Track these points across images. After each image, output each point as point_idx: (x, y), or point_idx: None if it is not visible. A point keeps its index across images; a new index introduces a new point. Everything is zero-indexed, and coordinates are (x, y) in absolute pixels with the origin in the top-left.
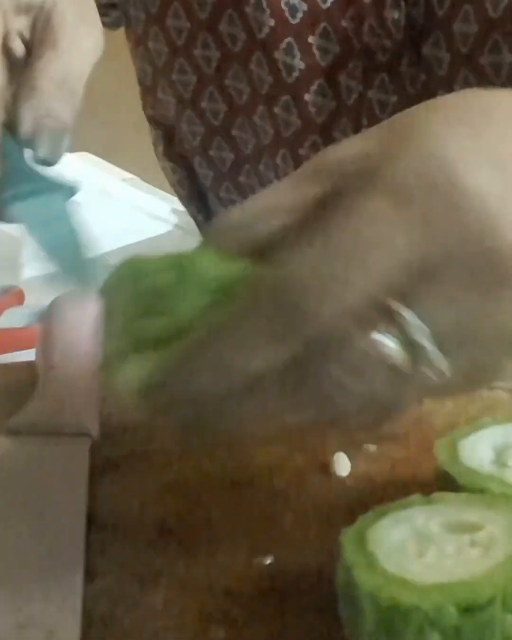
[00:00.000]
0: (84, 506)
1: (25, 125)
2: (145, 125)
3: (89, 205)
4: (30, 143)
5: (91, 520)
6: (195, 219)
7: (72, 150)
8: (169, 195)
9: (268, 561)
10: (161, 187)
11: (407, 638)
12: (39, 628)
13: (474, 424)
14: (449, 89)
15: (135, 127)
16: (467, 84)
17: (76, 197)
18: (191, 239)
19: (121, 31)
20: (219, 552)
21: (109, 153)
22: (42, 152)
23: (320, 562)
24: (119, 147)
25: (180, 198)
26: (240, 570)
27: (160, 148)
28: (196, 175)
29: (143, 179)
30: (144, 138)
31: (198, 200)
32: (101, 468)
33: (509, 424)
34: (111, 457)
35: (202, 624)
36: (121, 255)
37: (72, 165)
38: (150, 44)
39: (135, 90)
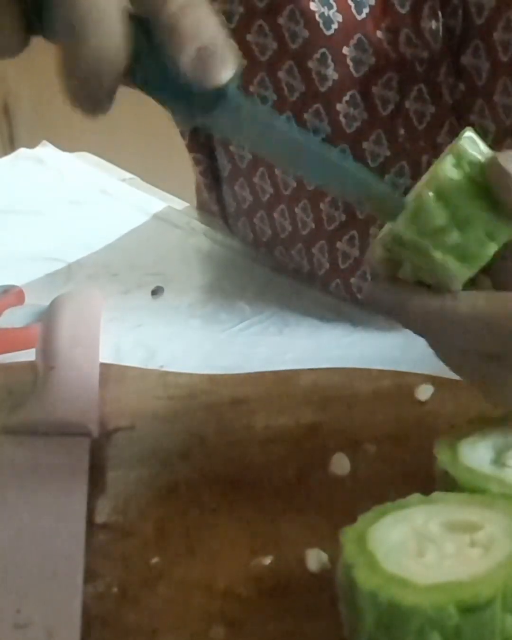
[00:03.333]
0: (84, 506)
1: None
2: (145, 126)
3: (89, 205)
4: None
5: (91, 520)
6: (209, 208)
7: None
8: (169, 195)
9: (268, 561)
10: (161, 187)
11: (407, 638)
12: (38, 628)
13: (474, 424)
14: (489, 98)
15: (135, 127)
16: (506, 93)
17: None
18: (190, 239)
19: None
20: (219, 552)
21: (109, 153)
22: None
23: (320, 562)
24: (119, 147)
25: (202, 187)
26: (240, 570)
27: (187, 139)
28: (217, 166)
29: (143, 179)
30: (144, 138)
31: (218, 190)
32: (101, 468)
33: (509, 424)
34: (111, 457)
35: (202, 624)
36: (121, 254)
37: (72, 165)
38: None
39: (135, 90)
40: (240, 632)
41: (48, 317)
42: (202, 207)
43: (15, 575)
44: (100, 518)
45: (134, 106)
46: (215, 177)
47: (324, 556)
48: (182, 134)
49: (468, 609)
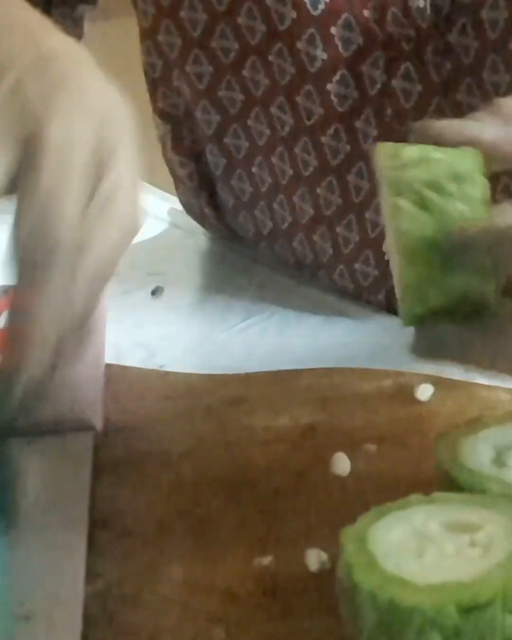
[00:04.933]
0: (87, 504)
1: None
2: (145, 126)
3: None
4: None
5: (92, 520)
6: (201, 212)
7: None
8: (168, 195)
9: (268, 561)
10: (161, 187)
11: (407, 638)
12: (40, 621)
13: (474, 424)
14: (477, 76)
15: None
16: (495, 71)
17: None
18: (190, 239)
19: (125, 29)
20: (219, 552)
21: None
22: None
23: (320, 562)
24: None
25: (187, 191)
26: (241, 570)
27: (169, 143)
28: (207, 166)
29: (143, 179)
30: (144, 138)
31: (207, 191)
32: (102, 468)
33: (509, 424)
34: (112, 457)
35: (202, 624)
36: None
37: None
38: (161, 37)
39: (135, 90)
40: (240, 632)
41: None
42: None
43: (20, 568)
44: (100, 518)
45: (134, 106)
46: (203, 180)
47: (324, 556)
48: (162, 139)
49: (468, 609)
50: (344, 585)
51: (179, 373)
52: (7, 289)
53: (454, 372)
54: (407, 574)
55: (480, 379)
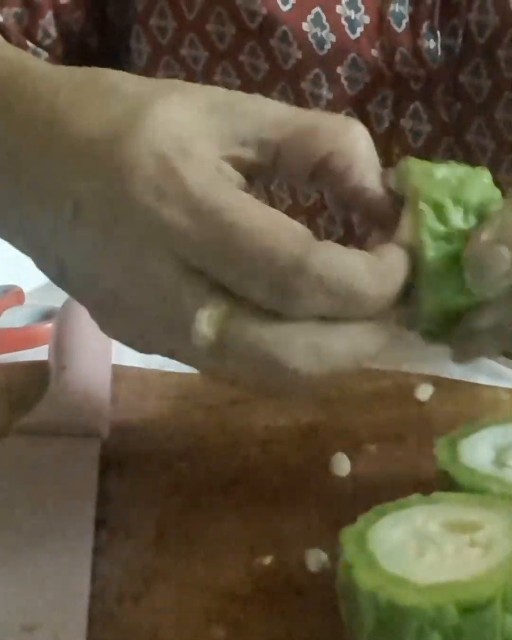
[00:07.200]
0: (93, 508)
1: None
2: None
3: None
4: None
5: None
6: None
7: None
8: None
9: (268, 561)
10: None
11: (407, 638)
12: (44, 631)
13: (474, 424)
14: (489, 115)
15: None
16: (509, 109)
17: None
18: None
19: None
20: (219, 552)
21: None
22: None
23: (320, 562)
24: None
25: None
26: (241, 570)
27: None
28: None
29: None
30: None
31: None
32: (102, 468)
33: (509, 424)
34: (112, 456)
35: (202, 624)
36: None
37: None
38: (160, 74)
39: None
40: (240, 632)
41: (61, 316)
42: None
43: (24, 577)
44: (101, 518)
45: None
46: None
47: (324, 556)
48: None
49: (468, 609)
50: (344, 585)
51: (179, 373)
52: (7, 289)
53: (454, 372)
54: (407, 574)
55: (480, 378)
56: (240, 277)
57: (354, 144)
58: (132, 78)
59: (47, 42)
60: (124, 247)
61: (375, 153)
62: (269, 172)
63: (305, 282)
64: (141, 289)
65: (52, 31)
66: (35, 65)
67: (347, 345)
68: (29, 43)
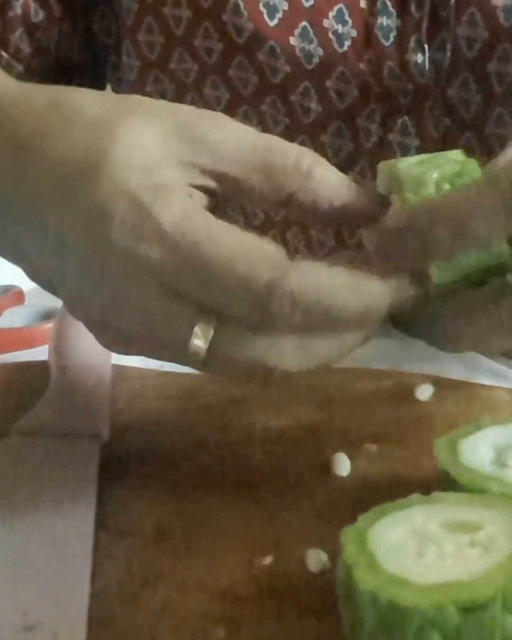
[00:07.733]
0: (94, 509)
1: None
2: None
3: None
4: None
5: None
6: None
7: None
8: None
9: (268, 561)
10: None
11: (407, 638)
12: (46, 631)
13: (474, 424)
14: (478, 130)
15: None
16: (500, 123)
17: None
18: None
19: None
20: (219, 552)
21: None
22: None
23: (320, 562)
24: None
25: None
26: (241, 570)
27: None
28: None
29: None
30: None
31: None
32: (101, 468)
33: (509, 424)
34: (112, 456)
35: (202, 624)
36: None
37: None
38: (149, 88)
39: None
40: (240, 632)
41: (61, 317)
42: None
43: (24, 577)
44: (101, 518)
45: None
46: None
47: (324, 556)
48: None
49: (468, 609)
50: (344, 585)
51: (179, 373)
52: (7, 289)
53: (454, 372)
54: (407, 574)
55: (480, 378)
56: (220, 301)
57: (311, 180)
58: (95, 98)
59: (21, 55)
60: (108, 279)
61: (334, 171)
62: (235, 200)
63: (280, 304)
64: (131, 314)
65: (25, 47)
66: (1, 85)
67: (332, 342)
68: (3, 53)
